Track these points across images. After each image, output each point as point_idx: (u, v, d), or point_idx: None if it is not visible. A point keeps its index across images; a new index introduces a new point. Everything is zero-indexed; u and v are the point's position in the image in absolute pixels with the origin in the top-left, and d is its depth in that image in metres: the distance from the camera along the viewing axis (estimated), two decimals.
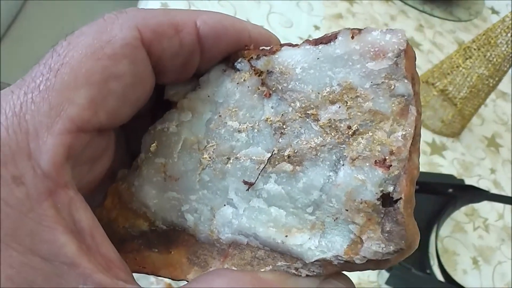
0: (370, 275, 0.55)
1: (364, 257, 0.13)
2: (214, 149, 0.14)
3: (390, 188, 0.13)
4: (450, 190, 0.64)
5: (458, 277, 0.59)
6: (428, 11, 0.94)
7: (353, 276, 0.54)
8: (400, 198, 0.13)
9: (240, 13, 0.72)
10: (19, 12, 0.95)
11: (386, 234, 0.13)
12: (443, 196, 0.65)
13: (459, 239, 0.64)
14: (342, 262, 0.13)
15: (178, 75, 0.14)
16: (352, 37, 0.13)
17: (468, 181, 0.67)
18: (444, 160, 0.72)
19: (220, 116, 0.14)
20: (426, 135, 0.74)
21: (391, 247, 0.13)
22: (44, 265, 0.10)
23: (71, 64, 0.12)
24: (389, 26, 0.86)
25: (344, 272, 0.13)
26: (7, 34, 0.92)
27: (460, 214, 0.67)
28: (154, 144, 0.14)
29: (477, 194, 0.63)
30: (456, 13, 0.98)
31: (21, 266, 0.10)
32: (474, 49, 0.69)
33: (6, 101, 0.11)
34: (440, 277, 0.58)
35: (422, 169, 0.69)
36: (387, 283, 0.55)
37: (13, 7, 0.94)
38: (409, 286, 0.55)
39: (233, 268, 0.13)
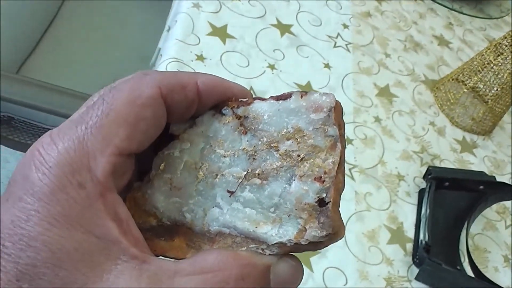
0: (400, 270, 0.56)
1: (307, 239, 0.18)
2: (206, 168, 0.20)
3: (324, 195, 0.18)
4: (481, 187, 0.64)
5: (489, 274, 0.58)
6: (457, 8, 0.93)
7: (383, 271, 0.54)
8: (330, 201, 0.18)
9: (269, 13, 0.73)
10: (56, 13, 0.98)
11: (321, 224, 0.18)
12: (474, 193, 0.64)
13: (490, 237, 0.64)
14: (292, 244, 0.19)
15: (181, 116, 0.20)
16: (301, 97, 0.19)
17: (499, 179, 0.67)
18: (475, 158, 0.72)
19: (211, 146, 0.20)
20: (456, 133, 0.74)
21: (324, 232, 0.18)
22: (97, 241, 0.16)
23: (116, 110, 0.17)
24: (418, 24, 0.86)
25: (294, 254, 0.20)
26: (45, 35, 0.96)
27: (491, 212, 0.66)
28: (162, 164, 0.21)
29: (509, 192, 0.63)
30: (486, 11, 0.97)
31: (82, 242, 0.16)
32: (506, 46, 0.69)
33: (72, 133, 0.17)
34: (470, 273, 0.58)
35: (452, 166, 0.69)
36: (417, 278, 0.55)
37: (52, 7, 0.97)
38: (439, 282, 0.55)
39: (220, 250, 0.19)
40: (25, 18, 0.89)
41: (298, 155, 0.19)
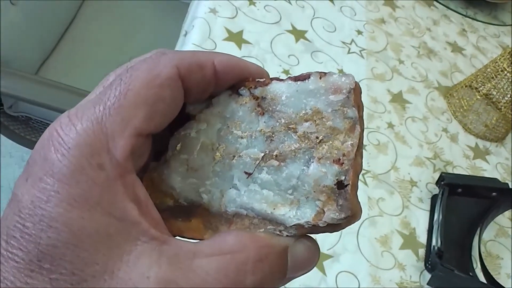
0: (412, 276, 0.56)
1: (325, 221, 0.18)
2: (223, 149, 0.20)
3: (342, 177, 0.18)
4: (494, 193, 0.64)
5: (501, 281, 0.58)
6: (471, 15, 0.94)
7: (396, 276, 0.55)
8: (348, 184, 0.18)
9: (285, 19, 0.74)
10: (75, 16, 1.00)
11: (339, 207, 0.18)
12: (486, 199, 0.65)
13: (503, 243, 0.64)
14: (310, 226, 0.18)
15: (197, 97, 0.20)
16: (320, 78, 0.19)
17: None
18: (488, 165, 0.72)
19: (228, 126, 0.20)
20: (469, 140, 0.74)
21: (342, 215, 0.18)
22: (117, 223, 0.16)
23: (134, 91, 0.17)
24: (432, 31, 0.87)
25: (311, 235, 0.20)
26: (64, 37, 0.97)
27: (504, 219, 0.67)
28: (179, 145, 0.20)
29: None
30: (501, 17, 0.97)
31: (102, 223, 0.15)
32: None
33: (91, 113, 0.17)
34: (483, 280, 0.58)
35: (464, 172, 0.69)
36: (429, 284, 0.56)
37: (71, 10, 0.99)
38: (452, 287, 0.56)
39: (238, 231, 0.19)
40: (44, 21, 0.91)
41: (317, 137, 0.19)
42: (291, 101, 0.19)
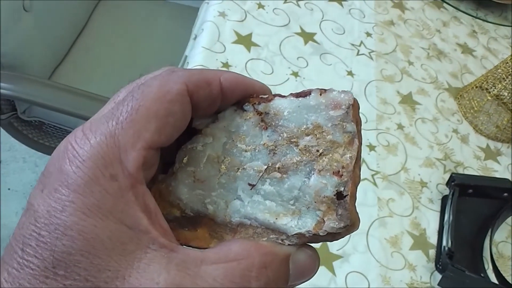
0: (422, 276, 0.56)
1: (325, 230, 0.19)
2: (228, 162, 0.21)
3: (342, 188, 0.19)
4: (505, 194, 0.63)
5: None
6: (481, 16, 0.93)
7: (406, 277, 0.55)
8: (348, 194, 0.19)
9: (293, 21, 0.75)
10: (87, 21, 1.01)
11: (339, 216, 0.19)
12: (497, 200, 0.64)
13: None
14: (311, 235, 0.19)
15: (204, 112, 0.21)
16: (320, 94, 0.20)
17: None
18: (499, 166, 0.72)
19: (232, 140, 0.21)
20: (480, 141, 0.74)
21: (342, 224, 0.19)
22: (129, 231, 0.16)
23: (145, 106, 0.18)
24: (442, 33, 0.87)
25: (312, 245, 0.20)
26: (76, 42, 0.99)
27: None
28: (186, 157, 0.21)
29: None
30: None
31: (115, 231, 0.16)
32: None
33: (104, 127, 0.17)
34: (494, 281, 0.57)
35: (476, 173, 0.69)
36: (439, 284, 0.56)
37: (83, 16, 1.00)
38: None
39: (242, 240, 0.19)
40: (57, 27, 0.92)
41: (317, 150, 0.20)
42: (293, 116, 0.20)
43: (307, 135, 0.20)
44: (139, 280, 0.16)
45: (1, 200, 1.18)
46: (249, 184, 0.20)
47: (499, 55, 0.88)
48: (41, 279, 0.15)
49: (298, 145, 0.20)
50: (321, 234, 0.19)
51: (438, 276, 0.56)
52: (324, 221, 0.19)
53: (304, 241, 0.19)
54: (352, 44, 0.77)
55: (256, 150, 0.20)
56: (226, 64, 0.65)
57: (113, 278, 0.16)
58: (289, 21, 0.75)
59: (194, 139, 0.21)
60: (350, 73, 0.73)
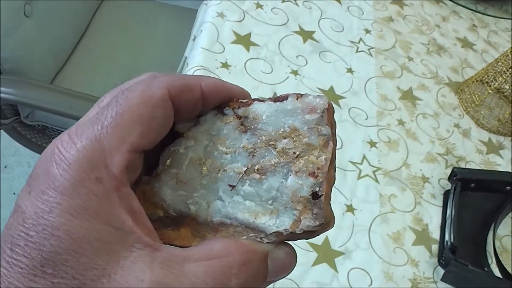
0: (425, 272, 0.56)
1: (301, 229, 0.20)
2: (210, 164, 0.21)
3: (317, 189, 0.20)
4: (508, 187, 0.63)
5: None
6: (481, 10, 0.93)
7: (409, 273, 0.55)
8: (322, 194, 0.20)
9: (292, 20, 0.75)
10: (88, 25, 1.02)
11: (314, 215, 0.20)
12: (500, 194, 0.64)
13: None
14: (288, 233, 0.20)
15: (186, 116, 0.22)
16: (297, 99, 0.21)
17: None
18: (502, 159, 0.71)
19: (213, 143, 0.22)
20: (481, 135, 0.74)
21: (317, 222, 0.20)
22: (114, 231, 0.17)
23: (129, 111, 0.18)
24: (441, 27, 0.87)
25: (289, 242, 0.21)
26: (78, 46, 0.99)
27: None
28: (169, 160, 0.22)
29: None
30: None
31: (100, 231, 0.17)
32: None
33: (90, 132, 0.18)
34: (498, 275, 0.57)
35: (478, 167, 0.68)
36: (443, 279, 0.56)
37: (84, 20, 1.01)
38: (466, 283, 0.55)
39: (223, 239, 0.20)
40: (58, 32, 0.93)
41: (294, 153, 0.20)
42: (271, 120, 0.21)
43: (284, 138, 0.21)
44: (125, 278, 0.16)
45: (6, 204, 1.19)
46: (230, 185, 0.21)
47: (500, 48, 0.88)
48: (30, 277, 0.16)
49: (276, 148, 0.21)
50: (297, 232, 0.20)
51: (441, 271, 0.56)
52: (300, 220, 0.20)
53: (282, 239, 0.20)
54: (351, 42, 0.77)
55: (236, 153, 0.21)
56: (225, 64, 0.66)
57: (100, 276, 0.16)
58: (288, 20, 0.75)
59: (176, 142, 0.22)
60: (349, 70, 0.73)
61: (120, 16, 1.07)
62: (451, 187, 0.62)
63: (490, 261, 0.60)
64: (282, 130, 0.21)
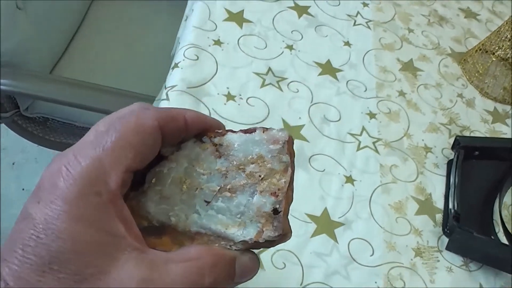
0: (429, 241, 0.54)
1: (264, 239, 0.23)
2: (189, 183, 0.24)
3: (277, 206, 0.23)
4: None
5: None
6: None
7: (412, 242, 0.53)
8: (281, 211, 0.23)
9: None
10: (85, 14, 1.02)
11: (274, 227, 0.23)
12: (506, 161, 0.62)
13: None
14: (253, 242, 0.23)
15: (171, 142, 0.25)
16: (263, 132, 0.24)
17: None
18: (508, 128, 0.69)
19: (193, 166, 0.25)
20: (487, 104, 0.72)
21: (276, 233, 0.23)
22: (109, 237, 0.20)
23: (126, 138, 0.22)
24: None
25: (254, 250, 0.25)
26: (76, 36, 0.99)
27: None
28: (154, 179, 0.25)
29: None
30: None
31: (98, 236, 0.20)
32: None
33: (92, 153, 0.21)
34: (505, 242, 0.55)
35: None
36: (447, 248, 0.54)
37: (81, 10, 1.00)
38: (471, 251, 0.53)
39: (198, 245, 0.24)
40: (57, 21, 0.93)
41: (260, 176, 0.24)
42: (241, 148, 0.25)
43: (252, 163, 0.24)
44: (119, 275, 0.20)
45: (16, 200, 1.20)
46: (205, 201, 0.24)
47: (505, 17, 0.85)
48: (38, 273, 0.19)
49: (245, 171, 0.24)
50: (260, 241, 0.23)
51: (446, 241, 0.54)
52: (263, 231, 0.23)
53: (247, 247, 0.24)
54: (348, 15, 0.75)
55: (211, 174, 0.25)
56: (218, 42, 0.65)
57: (97, 273, 0.20)
58: None
59: (161, 163, 0.25)
60: (347, 44, 0.71)
61: (117, 4, 1.06)
62: (454, 155, 0.60)
63: (497, 230, 0.58)
64: (250, 156, 0.24)
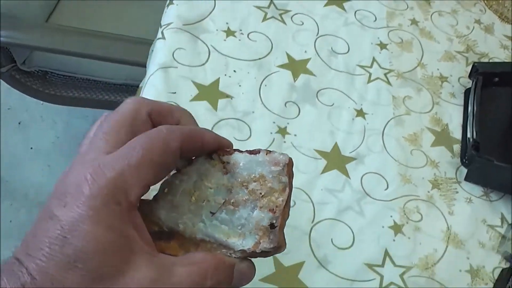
0: (446, 172, 0.51)
1: (260, 249, 0.25)
2: (198, 195, 0.27)
3: (274, 221, 0.25)
4: None
5: None
6: None
7: (429, 174, 0.50)
8: (278, 225, 0.25)
9: None
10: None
11: (270, 240, 0.25)
12: None
13: None
14: (250, 251, 0.25)
15: (185, 157, 0.27)
16: (266, 154, 0.27)
17: None
18: None
19: (202, 180, 0.27)
20: (507, 29, 0.67)
21: (271, 245, 0.25)
22: (125, 241, 0.23)
23: (150, 156, 0.24)
24: None
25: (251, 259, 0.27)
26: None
27: None
28: (166, 189, 0.28)
29: None
30: None
31: (116, 240, 0.22)
32: None
33: (118, 167, 0.23)
34: None
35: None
36: (466, 179, 0.51)
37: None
38: (491, 180, 0.51)
39: (202, 251, 0.26)
40: None
41: (260, 193, 0.26)
42: (246, 167, 0.27)
43: (254, 181, 0.27)
44: (133, 275, 0.22)
45: (24, 157, 1.19)
46: (211, 212, 0.27)
47: None
48: (64, 269, 0.21)
49: (247, 188, 0.27)
50: (257, 251, 0.26)
51: (464, 171, 0.52)
52: (260, 243, 0.26)
53: (245, 255, 0.26)
54: None
55: (218, 188, 0.27)
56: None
57: (115, 272, 0.22)
58: None
59: (173, 175, 0.28)
60: None
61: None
62: (472, 83, 0.57)
63: None
64: (253, 175, 0.27)
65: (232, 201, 0.27)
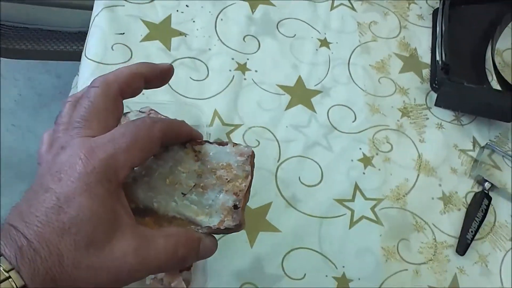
0: (416, 99, 0.50)
1: (224, 226, 0.29)
2: (172, 178, 0.30)
3: (237, 203, 0.30)
4: None
5: None
6: None
7: (398, 102, 0.48)
8: (240, 207, 0.29)
9: None
10: None
11: (233, 219, 0.29)
12: (498, 4, 0.55)
13: None
14: (216, 228, 0.29)
15: (163, 145, 0.30)
16: (233, 146, 0.31)
17: None
18: None
19: (175, 165, 0.31)
20: None
21: (234, 223, 0.29)
22: (114, 215, 0.26)
23: (137, 143, 0.27)
24: None
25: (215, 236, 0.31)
26: None
27: None
28: (144, 171, 0.30)
29: None
30: None
31: (107, 213, 0.25)
32: None
33: (108, 150, 0.26)
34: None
35: None
36: (437, 104, 0.49)
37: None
38: (463, 104, 0.49)
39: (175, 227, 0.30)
40: None
41: (226, 179, 0.30)
42: (215, 156, 0.30)
43: (222, 169, 0.30)
44: (120, 243, 0.25)
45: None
46: (182, 193, 0.30)
47: None
48: (59, 234, 0.24)
49: (215, 174, 0.30)
50: (221, 228, 0.29)
51: (435, 96, 0.50)
52: (224, 221, 0.29)
53: (210, 231, 0.29)
54: None
55: (190, 173, 0.30)
56: None
57: (104, 239, 0.25)
58: None
59: (151, 160, 0.31)
60: None
61: None
62: (440, 2, 0.54)
63: (490, 79, 0.53)
64: (221, 163, 0.30)
65: (201, 184, 0.30)
